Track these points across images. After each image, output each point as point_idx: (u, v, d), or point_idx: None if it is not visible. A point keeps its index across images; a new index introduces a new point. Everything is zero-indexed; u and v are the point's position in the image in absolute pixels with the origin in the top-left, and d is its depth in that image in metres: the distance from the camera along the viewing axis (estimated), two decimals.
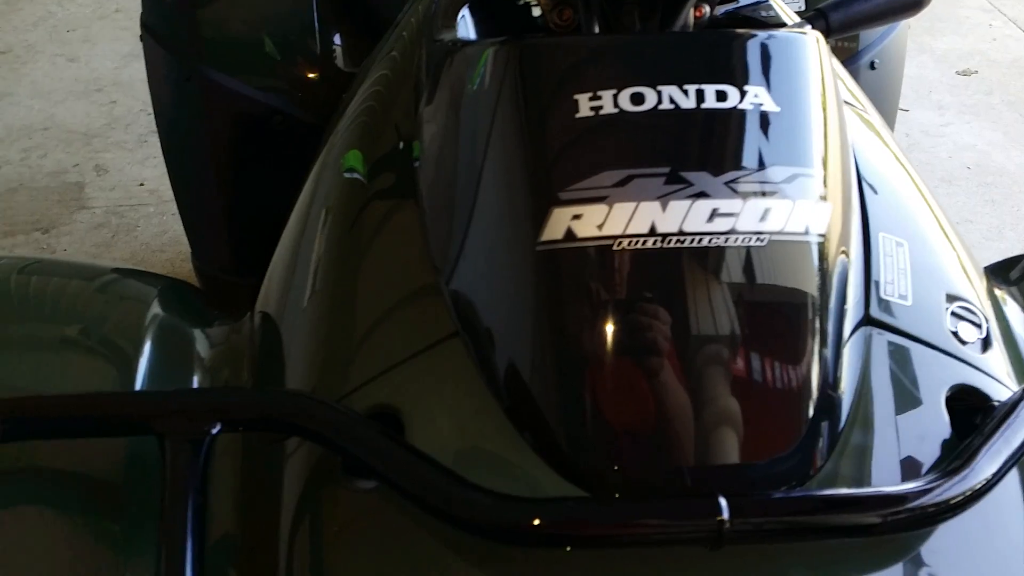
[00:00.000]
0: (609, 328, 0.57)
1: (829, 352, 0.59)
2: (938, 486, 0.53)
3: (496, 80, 0.66)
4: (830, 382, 0.59)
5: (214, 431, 0.56)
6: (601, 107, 0.60)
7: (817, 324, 0.59)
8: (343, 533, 0.59)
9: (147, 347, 0.69)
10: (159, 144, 2.56)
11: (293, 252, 0.82)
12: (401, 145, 0.81)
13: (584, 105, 0.60)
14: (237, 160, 1.49)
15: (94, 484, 0.60)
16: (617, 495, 0.56)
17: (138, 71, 2.89)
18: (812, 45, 0.67)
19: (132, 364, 0.68)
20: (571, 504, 0.54)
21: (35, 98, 2.79)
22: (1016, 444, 0.55)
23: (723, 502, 0.51)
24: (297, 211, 0.87)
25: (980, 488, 0.53)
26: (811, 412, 0.58)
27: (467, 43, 0.75)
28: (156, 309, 0.74)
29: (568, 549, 0.53)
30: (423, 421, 0.60)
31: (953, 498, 0.53)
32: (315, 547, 0.59)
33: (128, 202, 2.38)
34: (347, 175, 0.82)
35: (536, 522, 0.51)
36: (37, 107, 2.74)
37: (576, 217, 0.58)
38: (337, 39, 1.47)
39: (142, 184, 2.43)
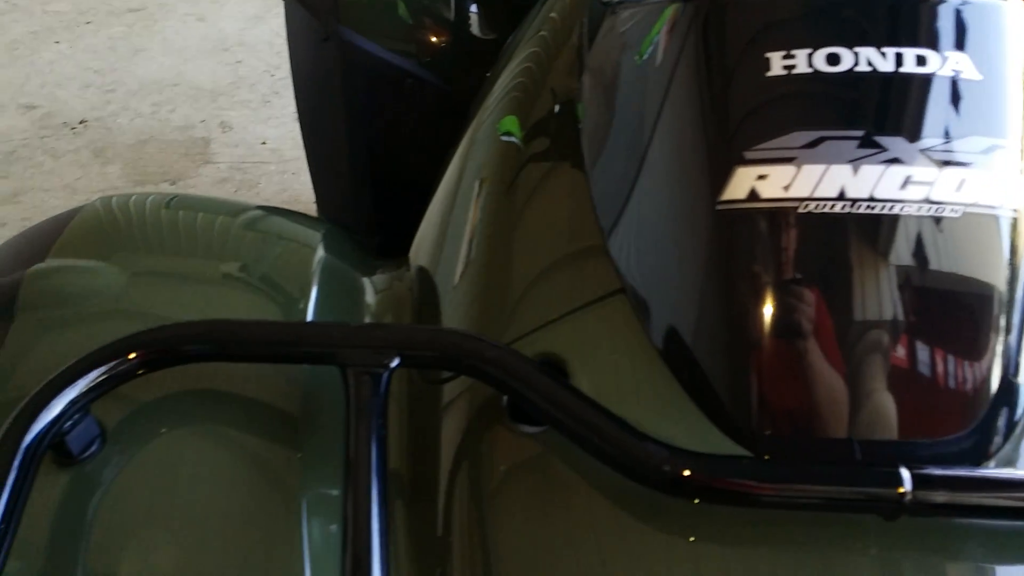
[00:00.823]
0: (789, 292, 0.57)
1: (1015, 334, 0.58)
2: None
3: (678, 37, 0.66)
4: (1013, 365, 0.57)
5: (393, 364, 0.57)
6: (794, 66, 0.59)
7: (1006, 302, 0.57)
8: (506, 475, 0.60)
9: (316, 287, 0.72)
10: (281, 105, 2.65)
11: (448, 209, 0.83)
12: (560, 108, 0.81)
13: (776, 63, 0.59)
14: (368, 121, 1.53)
15: (273, 410, 0.62)
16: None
17: (263, 33, 2.98)
18: (1018, 14, 0.64)
19: (302, 303, 0.70)
20: (749, 464, 0.53)
21: (166, 55, 2.90)
22: None
23: (905, 473, 0.51)
24: (451, 172, 0.89)
25: None
26: (991, 394, 0.56)
27: (639, 2, 0.75)
28: (322, 252, 0.77)
29: (738, 508, 0.53)
30: (587, 372, 0.61)
31: None
32: (476, 486, 0.61)
33: (251, 159, 2.45)
34: (504, 139, 0.83)
35: (712, 478, 0.52)
36: (168, 63, 2.85)
37: (761, 177, 0.58)
38: (473, 7, 1.48)
39: (264, 143, 2.51)
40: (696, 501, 0.53)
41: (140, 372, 0.57)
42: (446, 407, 0.66)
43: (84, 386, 0.55)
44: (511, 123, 0.84)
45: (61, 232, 0.73)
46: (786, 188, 0.57)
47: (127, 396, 0.60)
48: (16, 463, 0.51)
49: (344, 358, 0.57)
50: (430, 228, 0.86)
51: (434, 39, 1.48)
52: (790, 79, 0.59)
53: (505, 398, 0.62)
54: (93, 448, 0.58)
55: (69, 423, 0.56)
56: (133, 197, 0.80)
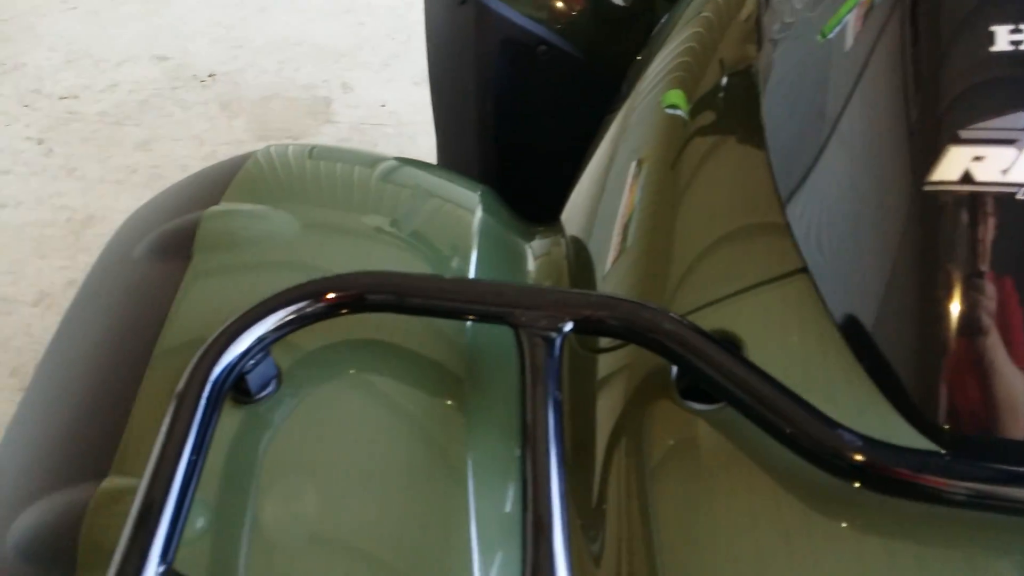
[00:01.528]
0: (996, 284, 0.54)
1: None
2: None
3: (884, 7, 0.63)
4: None
5: (567, 329, 0.57)
6: (1023, 41, 0.55)
7: None
8: (671, 450, 0.59)
9: (476, 247, 0.72)
10: (401, 69, 2.67)
11: (605, 180, 0.82)
12: (736, 81, 0.79)
13: (1002, 38, 0.56)
14: (499, 86, 1.52)
15: (443, 367, 0.62)
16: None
17: None
18: None
19: (465, 261, 0.70)
20: (944, 460, 0.51)
21: (291, 14, 2.96)
22: None
23: None
24: (607, 144, 0.88)
25: None
26: None
27: None
28: (481, 212, 0.76)
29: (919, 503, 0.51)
30: (763, 351, 0.59)
31: None
32: (638, 460, 0.60)
33: (370, 121, 2.49)
34: (669, 112, 0.81)
35: (907, 472, 0.49)
36: (293, 22, 2.90)
37: (977, 159, 0.54)
38: None
39: (383, 105, 2.54)
40: (880, 493, 0.51)
41: (323, 316, 0.57)
42: (607, 378, 0.65)
43: (270, 325, 0.56)
44: (677, 96, 0.82)
45: (232, 177, 0.75)
46: (1005, 172, 0.53)
47: (302, 341, 0.61)
48: (205, 395, 0.53)
49: (518, 319, 0.57)
50: (585, 198, 0.84)
51: (570, 6, 1.47)
52: (1017, 55, 0.55)
53: (674, 373, 0.60)
54: (270, 388, 0.59)
55: (252, 362, 0.57)
56: (296, 147, 0.81)
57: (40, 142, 2.94)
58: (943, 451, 0.53)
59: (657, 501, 0.58)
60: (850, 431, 0.51)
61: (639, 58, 1.05)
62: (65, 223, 2.35)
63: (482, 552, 0.56)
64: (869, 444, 0.50)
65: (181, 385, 0.53)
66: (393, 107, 2.52)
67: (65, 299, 2.14)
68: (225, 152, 2.38)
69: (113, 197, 2.38)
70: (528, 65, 1.48)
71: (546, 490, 0.49)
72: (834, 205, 0.61)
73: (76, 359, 0.67)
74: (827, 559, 0.53)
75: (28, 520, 0.56)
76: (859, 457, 0.50)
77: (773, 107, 0.70)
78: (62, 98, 2.91)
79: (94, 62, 2.89)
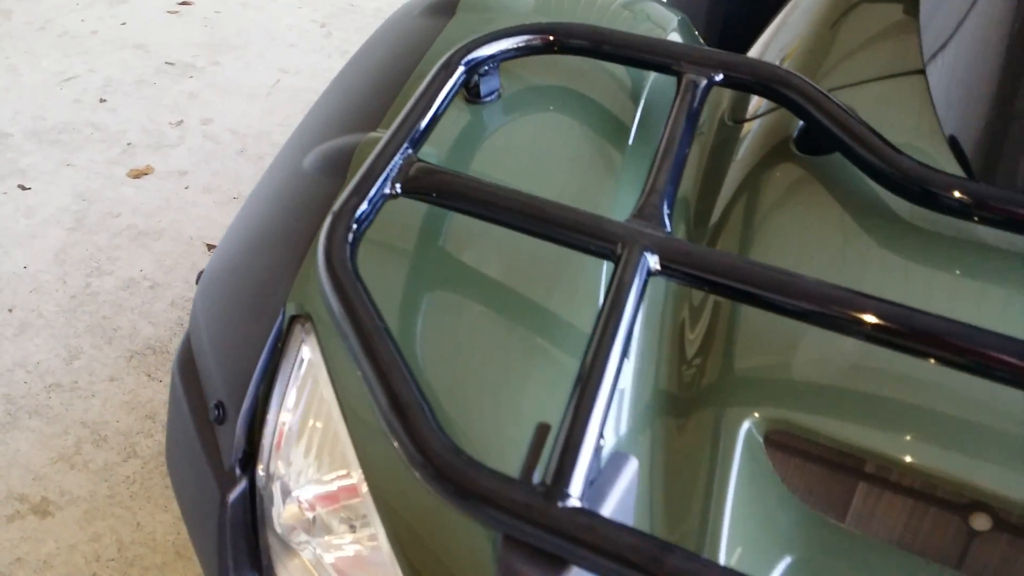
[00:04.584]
0: None
1: None
2: None
3: None
4: None
5: (718, 79, 0.74)
6: None
7: None
8: (787, 189, 0.75)
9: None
10: None
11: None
12: None
13: None
14: None
15: (615, 106, 0.82)
16: None
17: None
18: None
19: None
20: (987, 187, 0.65)
21: None
22: None
23: None
24: None
25: None
26: None
27: None
28: (673, 29, 0.94)
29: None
30: (872, 117, 0.74)
31: None
32: (762, 205, 0.76)
33: None
34: None
35: (994, 204, 0.63)
36: None
37: None
38: None
39: None
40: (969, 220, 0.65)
41: (538, 51, 0.78)
42: (742, 139, 0.81)
43: (505, 47, 0.77)
44: None
45: None
46: None
47: (521, 71, 0.83)
48: (453, 78, 0.75)
49: (680, 68, 0.75)
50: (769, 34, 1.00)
51: None
52: None
53: (795, 132, 0.76)
54: (492, 96, 0.81)
55: (486, 68, 0.79)
56: None
57: (322, 25, 3.38)
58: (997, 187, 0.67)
59: (771, 220, 0.74)
60: (925, 165, 0.66)
61: None
62: None
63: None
64: (960, 181, 0.65)
65: (436, 67, 0.76)
66: None
67: None
68: None
69: None
70: None
71: (667, 191, 0.66)
72: (954, 17, 0.74)
73: (362, 76, 0.92)
74: (895, 261, 0.68)
75: (321, 150, 0.82)
76: (932, 187, 0.65)
77: None
78: None
79: None
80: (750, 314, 0.70)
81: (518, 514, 0.47)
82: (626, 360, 0.67)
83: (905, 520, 0.68)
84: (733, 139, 0.82)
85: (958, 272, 0.67)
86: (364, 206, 0.64)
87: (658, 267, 0.60)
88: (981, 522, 0.66)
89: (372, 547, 0.66)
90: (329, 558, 0.69)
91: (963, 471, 0.62)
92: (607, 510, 0.49)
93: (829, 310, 0.58)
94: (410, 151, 0.68)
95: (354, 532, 0.68)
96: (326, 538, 0.69)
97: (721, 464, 0.63)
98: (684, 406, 0.68)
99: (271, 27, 3.38)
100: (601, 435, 0.51)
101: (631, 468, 0.51)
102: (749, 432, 0.64)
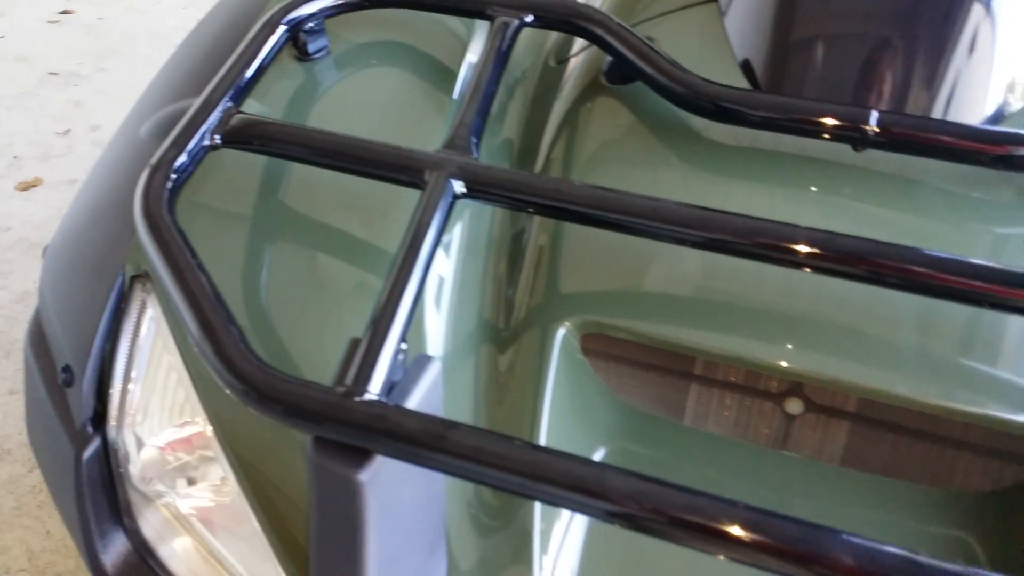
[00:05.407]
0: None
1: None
2: None
3: None
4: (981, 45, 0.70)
5: (528, 20, 0.78)
6: None
7: None
8: (601, 123, 0.80)
9: None
10: None
11: None
12: None
13: None
14: None
15: (437, 55, 0.85)
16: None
17: None
18: None
19: None
20: (764, 96, 0.70)
21: None
22: None
23: (874, 113, 0.66)
24: None
25: None
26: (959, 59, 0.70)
27: None
28: None
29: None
30: (670, 47, 0.79)
31: None
32: (579, 136, 0.81)
33: None
34: None
35: (749, 108, 0.69)
36: None
37: None
38: None
39: None
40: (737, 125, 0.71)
41: (357, 7, 0.81)
42: (564, 79, 0.86)
43: (324, 4, 0.80)
44: None
45: None
46: None
47: (349, 26, 0.86)
48: (278, 36, 0.77)
49: (493, 12, 0.79)
50: None
51: None
52: None
53: (605, 66, 0.81)
54: (321, 53, 0.84)
55: (310, 26, 0.81)
56: None
57: None
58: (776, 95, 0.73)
59: (586, 148, 0.79)
60: (718, 83, 0.71)
61: None
62: None
63: None
64: (725, 89, 0.70)
65: (257, 26, 0.78)
66: None
67: None
68: None
69: None
70: None
71: (480, 111, 0.70)
72: None
73: (198, 45, 0.94)
74: (695, 171, 0.74)
75: (156, 118, 0.84)
76: (721, 101, 0.70)
77: None
78: None
79: None
80: (567, 232, 0.74)
81: (321, 414, 0.50)
82: (450, 283, 0.71)
83: (735, 414, 0.73)
84: (556, 79, 0.87)
85: (753, 175, 0.72)
86: (183, 158, 0.66)
87: (464, 190, 0.64)
88: (794, 406, 0.72)
89: (224, 490, 0.69)
90: (186, 506, 0.71)
91: (778, 358, 0.67)
92: (413, 404, 0.53)
93: (634, 219, 0.63)
94: (230, 104, 0.71)
95: (207, 479, 0.70)
96: (182, 488, 0.71)
97: (540, 369, 0.67)
98: (510, 321, 0.72)
99: (157, 29, 3.33)
100: (403, 341, 0.54)
101: (434, 368, 0.55)
102: (565, 337, 0.69)
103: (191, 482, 0.71)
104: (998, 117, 0.72)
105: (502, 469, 0.47)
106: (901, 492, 0.68)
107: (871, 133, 0.66)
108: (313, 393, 0.51)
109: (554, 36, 0.94)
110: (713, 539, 0.44)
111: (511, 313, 0.73)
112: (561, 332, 0.69)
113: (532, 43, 0.92)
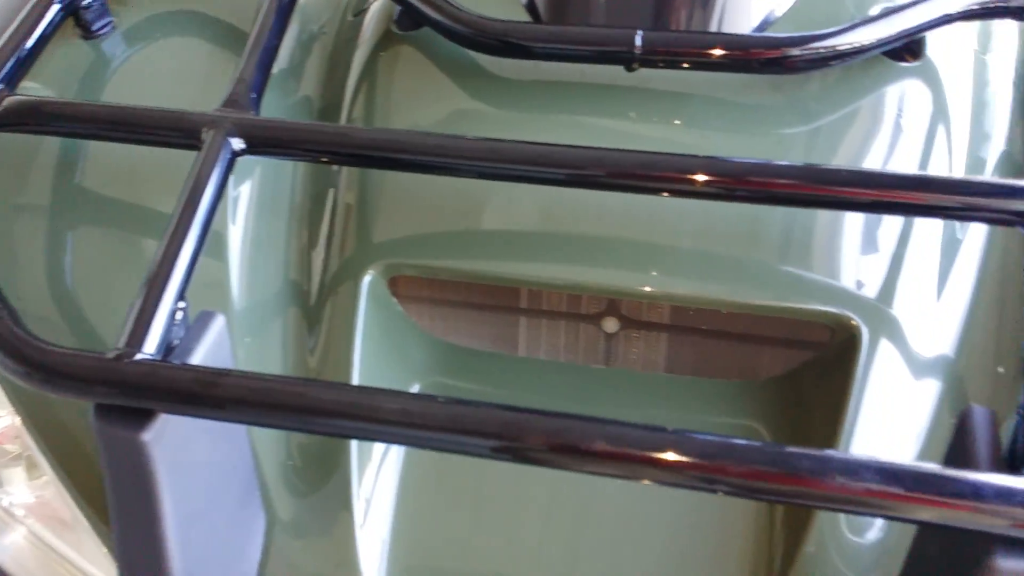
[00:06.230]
0: None
1: None
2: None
3: None
4: None
5: None
6: None
7: None
8: (394, 70, 0.80)
9: None
10: None
11: None
12: None
13: None
14: None
15: (228, 19, 0.84)
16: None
17: None
18: None
19: None
20: (539, 29, 0.73)
21: None
22: None
23: (639, 34, 0.68)
24: None
25: None
26: None
27: None
28: None
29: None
30: None
31: None
32: (377, 84, 0.81)
33: None
34: None
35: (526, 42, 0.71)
36: None
37: None
38: None
39: None
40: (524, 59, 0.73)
41: None
42: (362, 31, 0.86)
43: None
44: None
45: None
46: None
47: (127, 5, 0.84)
48: (53, 15, 0.75)
49: None
50: None
51: None
52: None
53: (395, 14, 0.82)
54: (106, 30, 0.82)
55: (88, 3, 0.79)
56: None
57: None
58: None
59: (382, 95, 0.79)
60: (493, 19, 0.72)
61: None
62: None
63: None
64: (509, 26, 0.71)
65: (28, 7, 0.75)
66: None
67: None
68: None
69: None
70: None
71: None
72: None
73: None
74: (486, 107, 0.76)
75: None
76: (500, 36, 0.71)
77: None
78: None
79: None
80: (373, 183, 0.75)
81: (94, 380, 0.50)
82: (250, 243, 0.72)
83: (562, 339, 0.76)
84: (355, 33, 0.87)
85: (538, 105, 0.74)
86: None
87: (243, 147, 0.63)
88: (611, 325, 0.75)
89: (45, 482, 0.68)
90: (11, 500, 0.70)
91: (588, 279, 0.69)
92: (197, 360, 0.53)
93: (424, 157, 0.63)
94: (2, 87, 0.69)
95: (28, 471, 0.69)
96: (7, 481, 0.70)
97: (350, 317, 0.68)
98: (324, 277, 0.73)
99: None
100: (180, 299, 0.54)
101: (217, 324, 0.55)
102: (372, 283, 0.70)
103: (12, 482, 0.70)
104: (767, 24, 0.76)
105: (278, 409, 0.48)
106: (710, 389, 0.72)
107: (638, 53, 0.68)
108: (85, 360, 0.50)
109: None
110: (489, 445, 0.46)
111: (325, 269, 0.73)
112: (367, 279, 0.69)
113: None
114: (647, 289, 0.68)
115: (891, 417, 0.63)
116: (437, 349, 0.73)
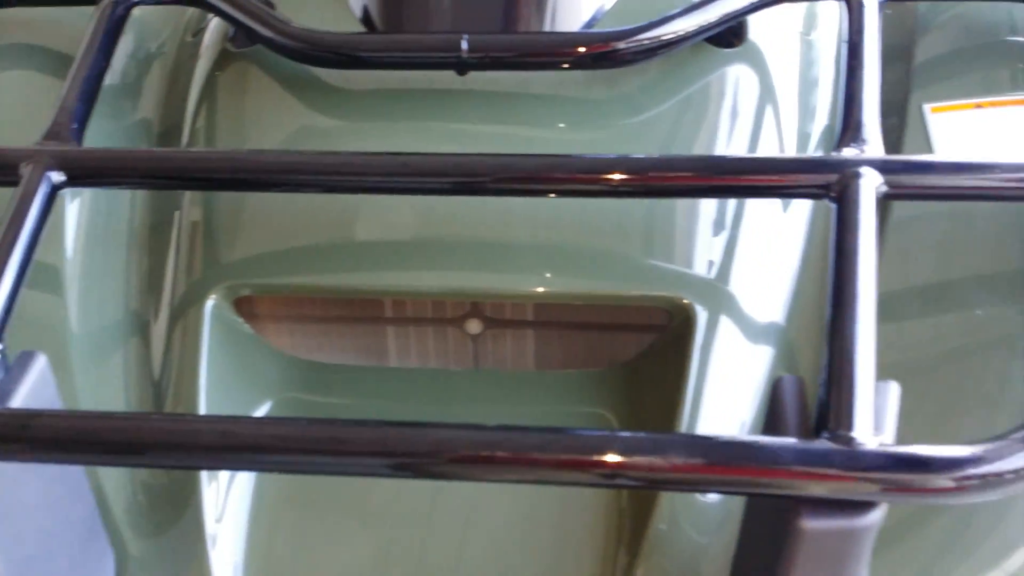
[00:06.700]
0: None
1: None
2: None
3: None
4: None
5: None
6: None
7: None
8: (231, 89, 0.80)
9: None
10: None
11: None
12: None
13: None
14: None
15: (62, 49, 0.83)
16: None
17: None
18: None
19: None
20: (368, 38, 0.73)
21: None
22: None
23: (465, 39, 0.69)
24: None
25: None
26: None
27: None
28: None
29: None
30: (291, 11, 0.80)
31: None
32: (217, 105, 0.80)
33: None
34: None
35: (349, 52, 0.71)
36: None
37: None
38: None
39: None
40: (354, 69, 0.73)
41: None
42: (200, 53, 0.85)
43: None
44: None
45: None
46: None
47: None
48: None
49: None
50: None
51: None
52: None
53: (231, 32, 0.81)
54: None
55: None
56: None
57: None
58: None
59: (220, 115, 0.79)
60: (322, 32, 0.72)
61: None
62: None
63: None
64: (336, 37, 0.72)
65: None
66: None
67: None
68: None
69: None
70: None
71: None
72: None
73: None
74: (324, 119, 0.76)
75: None
76: (329, 49, 0.71)
77: None
78: None
79: None
80: (217, 206, 0.74)
81: None
82: (79, 277, 0.70)
83: (430, 346, 0.76)
84: (194, 52, 0.86)
85: (374, 114, 0.75)
86: None
87: (63, 179, 0.62)
88: (474, 326, 0.76)
89: None
90: None
91: (454, 283, 0.70)
92: (18, 403, 0.52)
93: (261, 175, 0.63)
94: None
95: None
96: None
97: (195, 343, 0.68)
98: (171, 304, 0.72)
99: None
100: None
101: (38, 364, 0.54)
102: (215, 307, 0.69)
103: None
104: (595, 20, 0.77)
105: (94, 446, 0.48)
106: (567, 381, 0.73)
107: (465, 57, 0.69)
108: None
109: (190, 11, 0.92)
110: (325, 461, 0.47)
111: (173, 295, 0.72)
112: (210, 302, 0.69)
113: (169, 18, 0.90)
114: (500, 288, 0.69)
115: (728, 392, 0.65)
116: (292, 366, 0.73)
